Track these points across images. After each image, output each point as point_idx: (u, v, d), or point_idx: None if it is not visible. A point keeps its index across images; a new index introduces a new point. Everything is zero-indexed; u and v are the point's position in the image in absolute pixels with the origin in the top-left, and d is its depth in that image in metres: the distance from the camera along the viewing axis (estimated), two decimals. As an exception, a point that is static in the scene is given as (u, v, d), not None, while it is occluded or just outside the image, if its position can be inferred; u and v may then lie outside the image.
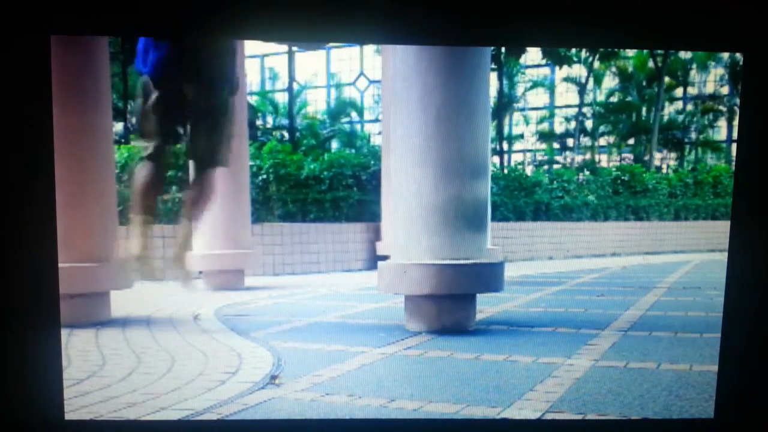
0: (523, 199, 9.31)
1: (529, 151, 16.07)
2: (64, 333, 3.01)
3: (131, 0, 1.48)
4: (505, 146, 15.11)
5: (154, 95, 3.13)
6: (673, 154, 15.00)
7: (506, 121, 15.25)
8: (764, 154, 1.56)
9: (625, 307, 3.86)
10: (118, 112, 12.54)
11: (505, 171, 11.29)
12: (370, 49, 14.51)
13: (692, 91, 14.96)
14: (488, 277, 3.07)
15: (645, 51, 12.90)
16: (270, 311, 3.89)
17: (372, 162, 8.09)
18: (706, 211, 10.74)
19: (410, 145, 3.03)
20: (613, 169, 11.28)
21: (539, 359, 2.52)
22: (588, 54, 13.54)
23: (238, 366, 2.45)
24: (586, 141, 15.21)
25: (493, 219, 7.53)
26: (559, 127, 15.84)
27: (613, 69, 14.49)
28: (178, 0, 1.49)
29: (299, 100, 14.59)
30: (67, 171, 3.07)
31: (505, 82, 14.22)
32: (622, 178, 10.40)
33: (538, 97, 16.02)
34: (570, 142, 15.52)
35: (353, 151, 12.01)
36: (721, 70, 14.39)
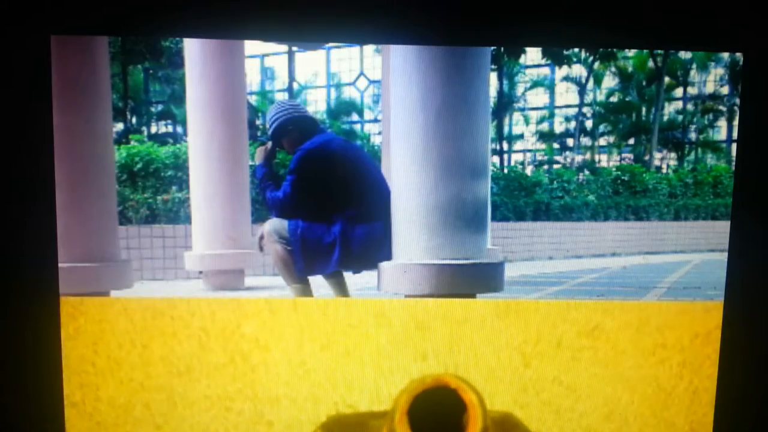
0: (523, 199, 9.31)
1: (529, 151, 16.06)
2: (64, 333, 3.00)
3: (132, 0, 1.48)
4: (505, 146, 15.11)
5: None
6: (673, 154, 15.00)
7: (506, 121, 15.25)
8: (764, 154, 1.56)
9: (625, 307, 3.85)
10: (118, 112, 12.55)
11: (505, 171, 11.30)
12: (370, 49, 14.49)
13: (692, 91, 14.96)
14: (488, 277, 3.06)
15: (645, 51, 12.90)
16: (270, 311, 3.88)
17: (372, 162, 8.07)
18: (706, 211, 10.73)
19: (410, 145, 3.03)
20: (613, 169, 11.28)
21: (539, 359, 2.51)
22: (588, 54, 13.54)
23: (238, 366, 2.44)
24: (586, 141, 15.21)
25: (493, 219, 7.52)
26: (559, 127, 15.84)
27: (613, 69, 14.49)
28: (179, 0, 1.49)
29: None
30: (67, 171, 3.07)
31: (505, 82, 14.23)
32: (622, 178, 10.40)
33: (538, 97, 16.01)
34: (570, 142, 15.51)
35: (353, 151, 11.98)
36: (721, 70, 14.39)
